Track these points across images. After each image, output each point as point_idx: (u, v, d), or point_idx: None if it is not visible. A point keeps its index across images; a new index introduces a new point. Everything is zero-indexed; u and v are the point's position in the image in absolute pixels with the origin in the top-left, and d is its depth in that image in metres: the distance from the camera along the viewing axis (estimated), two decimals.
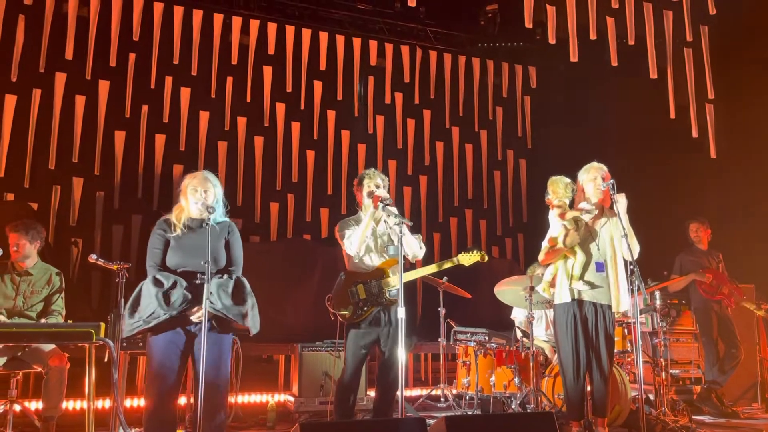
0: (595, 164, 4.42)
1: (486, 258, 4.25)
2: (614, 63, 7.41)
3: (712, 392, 6.05)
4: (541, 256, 4.43)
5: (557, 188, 4.46)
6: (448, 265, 4.28)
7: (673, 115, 7.69)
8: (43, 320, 4.41)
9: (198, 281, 3.34)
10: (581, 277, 4.23)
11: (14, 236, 4.42)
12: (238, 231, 3.69)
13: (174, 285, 3.31)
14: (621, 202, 4.21)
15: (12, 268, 4.44)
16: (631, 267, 4.14)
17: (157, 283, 3.31)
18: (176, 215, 3.54)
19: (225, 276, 3.49)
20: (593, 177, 4.35)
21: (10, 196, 7.04)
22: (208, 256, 3.31)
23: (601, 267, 4.25)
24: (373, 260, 4.20)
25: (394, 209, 4.07)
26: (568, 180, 4.49)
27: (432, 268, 4.29)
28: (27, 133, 7.23)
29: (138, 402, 5.45)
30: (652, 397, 5.26)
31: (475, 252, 4.24)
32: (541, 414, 4.20)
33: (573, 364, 4.19)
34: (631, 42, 7.34)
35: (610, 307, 4.22)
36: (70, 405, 4.96)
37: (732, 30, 7.49)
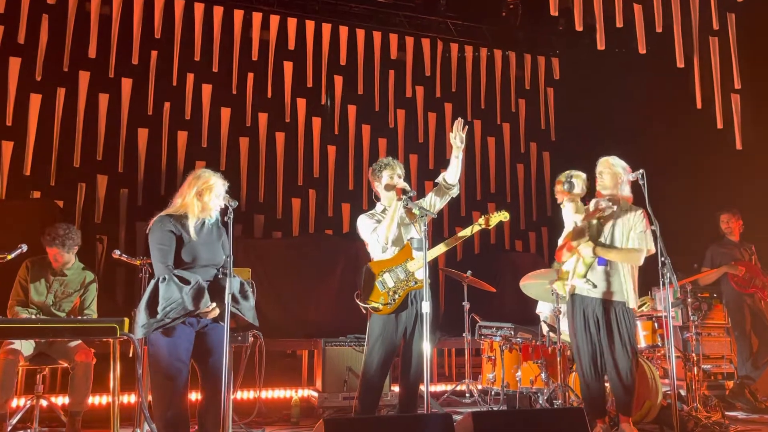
0: (600, 159, 4.32)
1: (508, 216, 4.21)
2: (642, 51, 7.24)
3: (746, 388, 5.90)
4: (558, 253, 4.40)
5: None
6: (469, 232, 4.24)
7: (699, 106, 7.50)
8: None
9: (220, 276, 3.38)
10: (584, 275, 4.16)
11: (52, 251, 4.41)
12: None
13: (199, 283, 3.29)
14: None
15: (49, 265, 4.46)
16: (662, 259, 4.02)
17: (182, 280, 3.26)
18: (199, 211, 3.47)
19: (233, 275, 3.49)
20: (598, 171, 4.27)
21: (37, 194, 7.16)
22: (230, 252, 3.33)
23: (602, 261, 4.14)
24: (395, 248, 4.13)
25: (416, 203, 4.03)
26: (580, 173, 4.40)
27: (458, 238, 4.27)
28: (52, 131, 7.34)
29: None
30: (683, 392, 5.14)
31: (496, 213, 4.25)
32: (571, 409, 4.11)
33: (579, 361, 4.17)
34: (659, 30, 7.17)
35: (623, 303, 4.10)
36: (95, 400, 4.99)
37: (760, 18, 7.27)
